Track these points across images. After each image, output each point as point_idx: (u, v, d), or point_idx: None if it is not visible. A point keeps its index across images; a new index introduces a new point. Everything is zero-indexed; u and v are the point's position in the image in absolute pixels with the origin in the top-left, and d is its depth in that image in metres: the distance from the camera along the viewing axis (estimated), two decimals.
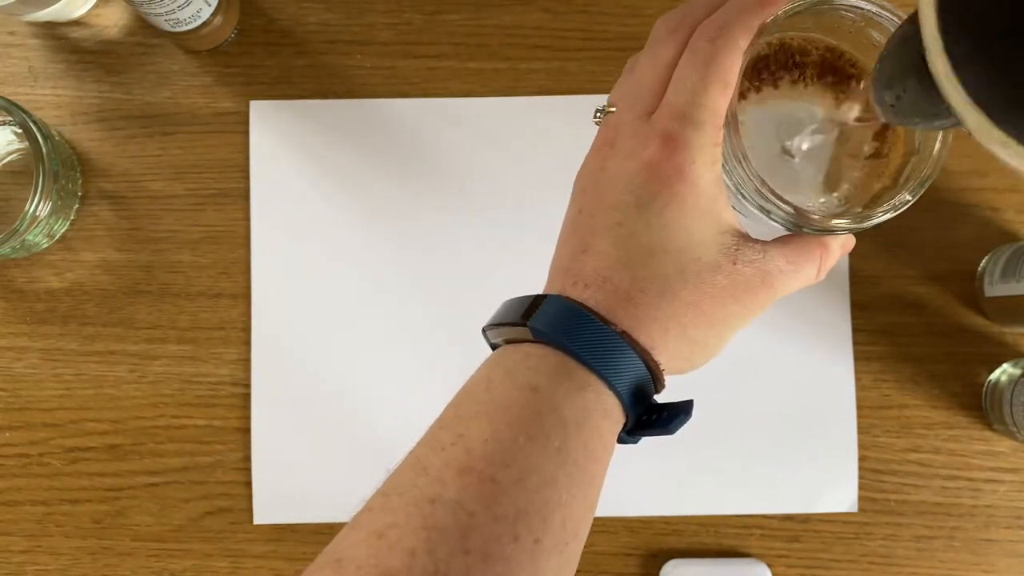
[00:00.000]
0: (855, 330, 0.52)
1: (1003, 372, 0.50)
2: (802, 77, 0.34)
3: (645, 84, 0.31)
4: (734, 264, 0.30)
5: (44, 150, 0.48)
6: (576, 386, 0.29)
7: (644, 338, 0.30)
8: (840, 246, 0.34)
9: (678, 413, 0.31)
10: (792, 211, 0.31)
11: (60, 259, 0.52)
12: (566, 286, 0.31)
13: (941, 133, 0.31)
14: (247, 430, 0.51)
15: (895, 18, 0.31)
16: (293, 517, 0.51)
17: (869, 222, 0.32)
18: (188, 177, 0.53)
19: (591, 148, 0.33)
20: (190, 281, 0.52)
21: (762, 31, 0.30)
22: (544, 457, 0.28)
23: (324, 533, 0.51)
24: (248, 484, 0.51)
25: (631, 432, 0.31)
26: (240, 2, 0.53)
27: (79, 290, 0.52)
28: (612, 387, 0.29)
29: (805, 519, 0.51)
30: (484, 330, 0.33)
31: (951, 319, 0.52)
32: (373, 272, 0.52)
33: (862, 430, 0.51)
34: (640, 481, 0.51)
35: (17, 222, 0.48)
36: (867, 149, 0.34)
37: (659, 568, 0.51)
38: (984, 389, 0.51)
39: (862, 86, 0.33)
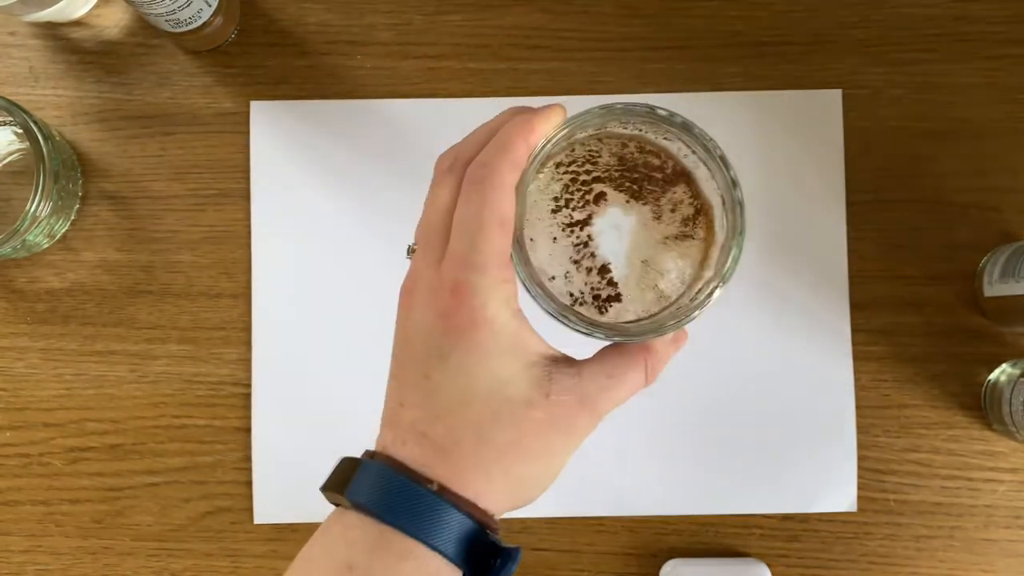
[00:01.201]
0: (854, 330, 0.52)
1: (1002, 372, 0.51)
2: (599, 185, 0.33)
3: (432, 228, 0.31)
4: (548, 396, 0.30)
5: (45, 150, 0.48)
6: (396, 557, 0.29)
7: (466, 489, 0.30)
8: (670, 344, 0.33)
9: (507, 561, 0.30)
10: (602, 326, 0.31)
11: (61, 259, 0.52)
12: (387, 443, 0.31)
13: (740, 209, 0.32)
14: (247, 430, 0.51)
15: (650, 111, 0.31)
16: (293, 517, 0.52)
17: (687, 319, 0.31)
18: (189, 177, 0.53)
19: (400, 291, 0.33)
20: (191, 281, 0.52)
21: (548, 156, 0.31)
22: None
23: None
24: (248, 484, 0.51)
25: None
26: (241, 3, 0.53)
27: (80, 290, 0.52)
28: (436, 549, 0.29)
29: (805, 519, 0.51)
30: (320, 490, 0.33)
31: (950, 319, 0.52)
32: (373, 272, 0.52)
33: (861, 430, 0.52)
34: (640, 481, 0.51)
35: (18, 222, 0.48)
36: (676, 244, 0.34)
37: (659, 568, 0.51)
38: (983, 389, 0.52)
39: (660, 182, 0.33)
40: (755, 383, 0.52)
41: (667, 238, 0.33)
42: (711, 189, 0.33)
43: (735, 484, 0.51)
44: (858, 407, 0.52)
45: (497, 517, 0.31)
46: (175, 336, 0.52)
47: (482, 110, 0.52)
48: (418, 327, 0.31)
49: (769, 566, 0.50)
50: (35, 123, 0.48)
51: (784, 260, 0.52)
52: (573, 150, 0.33)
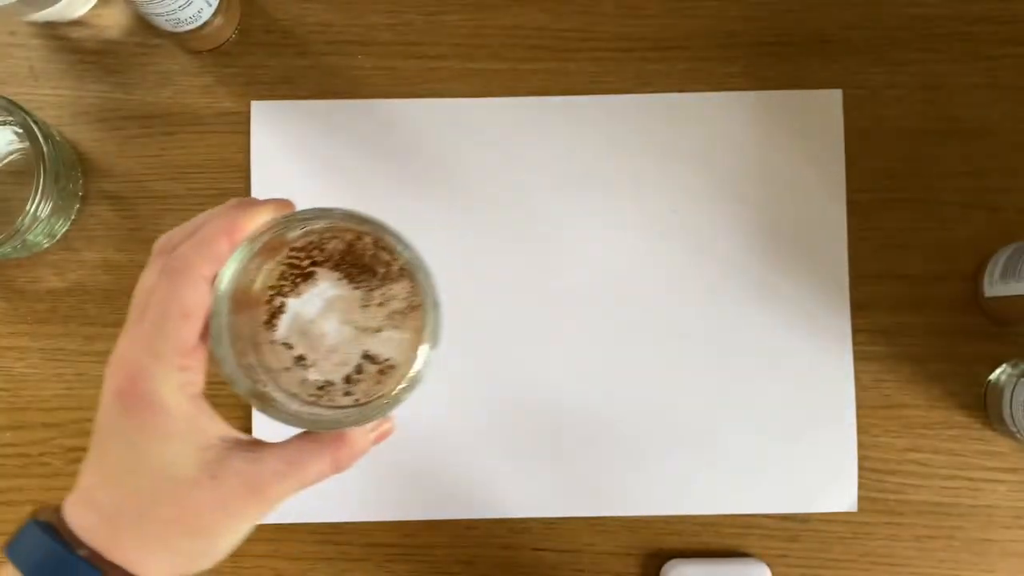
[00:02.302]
0: (855, 330, 0.52)
1: (1003, 372, 0.51)
2: (317, 269, 0.34)
3: (135, 306, 0.32)
4: (214, 478, 0.31)
5: (45, 150, 0.48)
6: None
7: (122, 557, 0.31)
8: (368, 433, 0.34)
9: None
10: (288, 415, 0.32)
11: (61, 259, 0.52)
12: (69, 500, 0.32)
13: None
14: (248, 430, 0.51)
15: (345, 222, 0.33)
16: (293, 517, 0.52)
17: (377, 413, 0.32)
18: (189, 177, 0.53)
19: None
20: None
21: (272, 243, 0.32)
22: None
23: (324, 533, 0.52)
24: None
25: None
26: (241, 2, 0.53)
27: (80, 290, 0.52)
28: None
29: (805, 519, 0.51)
30: None
31: (951, 319, 0.52)
32: None
33: (862, 430, 0.52)
34: (640, 481, 0.51)
35: (18, 222, 0.48)
36: (386, 337, 0.34)
37: (659, 568, 0.51)
38: (984, 389, 0.52)
39: (382, 276, 0.34)
40: (755, 383, 0.52)
41: (378, 330, 0.34)
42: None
43: (735, 484, 0.51)
44: (858, 407, 0.52)
45: None
46: None
47: (482, 110, 0.53)
48: (104, 397, 0.32)
49: (769, 566, 0.50)
50: (35, 123, 0.48)
51: (784, 260, 0.52)
52: (308, 236, 0.34)
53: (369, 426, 0.34)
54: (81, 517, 0.31)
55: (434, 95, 0.53)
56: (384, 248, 0.35)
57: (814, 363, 0.52)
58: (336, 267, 0.34)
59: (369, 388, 0.34)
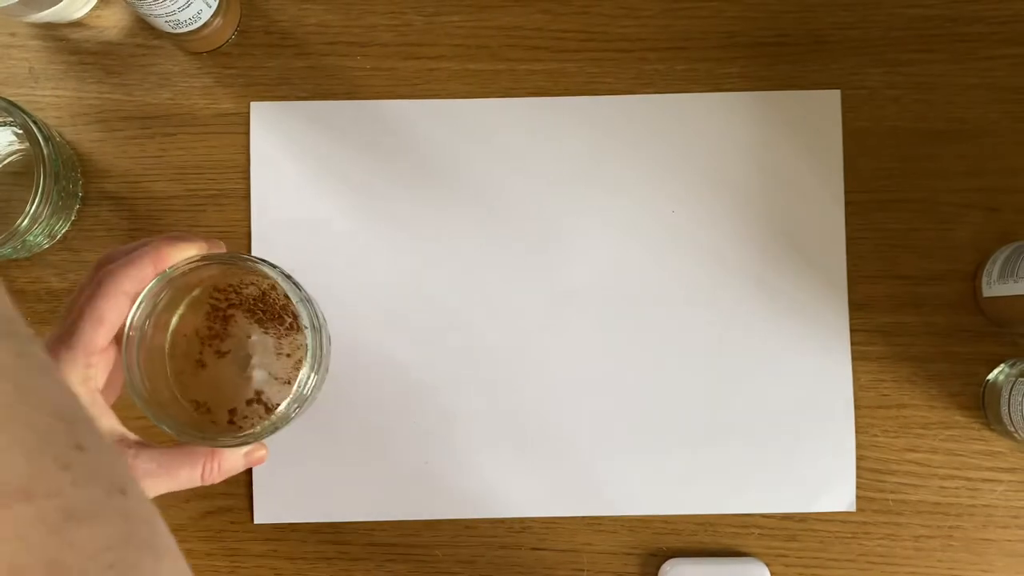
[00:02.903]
0: (853, 330, 0.52)
1: (1001, 372, 0.51)
2: (233, 311, 0.40)
3: (65, 309, 0.37)
4: None
5: (45, 151, 0.48)
6: None
7: None
8: (239, 456, 0.39)
9: None
10: (175, 429, 0.37)
11: (61, 259, 0.52)
12: None
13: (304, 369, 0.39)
14: None
15: (261, 266, 0.38)
16: (293, 517, 0.52)
17: (252, 439, 0.37)
18: (189, 178, 0.53)
19: None
20: None
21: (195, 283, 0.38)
22: None
23: (324, 532, 0.52)
24: (248, 484, 0.52)
25: None
26: (241, 3, 0.53)
27: None
28: None
29: (803, 518, 0.51)
30: None
31: (949, 319, 0.52)
32: (372, 272, 0.52)
33: (860, 430, 0.52)
34: (640, 481, 0.51)
35: (18, 222, 0.48)
36: (284, 377, 0.40)
37: (658, 567, 0.51)
38: (982, 389, 0.52)
39: (288, 325, 0.40)
40: (753, 383, 0.52)
41: (287, 382, 0.40)
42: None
43: (734, 484, 0.51)
44: (857, 407, 0.52)
45: None
46: None
47: (482, 110, 0.53)
48: None
49: (768, 566, 0.51)
50: (35, 124, 0.48)
51: (783, 260, 0.52)
52: (230, 280, 0.40)
53: (243, 449, 0.39)
54: None
55: (433, 96, 0.53)
56: (286, 299, 0.39)
57: (812, 363, 0.52)
58: (250, 312, 0.39)
59: (252, 420, 0.39)
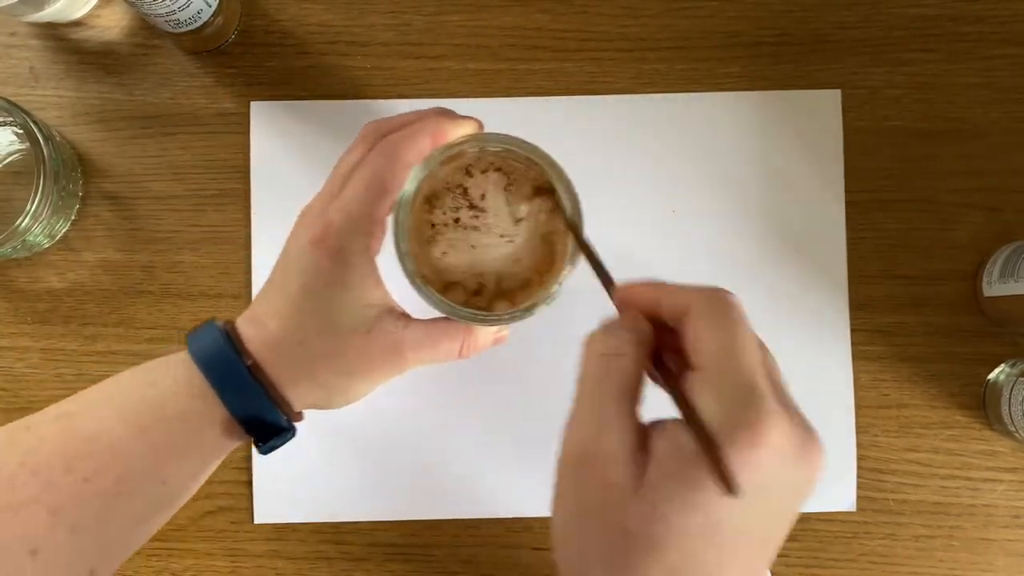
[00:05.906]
0: (854, 330, 0.52)
1: (1001, 372, 0.51)
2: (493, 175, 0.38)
3: (337, 175, 0.38)
4: (368, 332, 0.37)
5: (45, 151, 0.48)
6: (192, 394, 0.37)
7: (274, 373, 0.37)
8: (490, 335, 0.40)
9: (283, 436, 0.38)
10: (439, 302, 0.36)
11: (61, 259, 0.53)
12: (243, 317, 0.39)
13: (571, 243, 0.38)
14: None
15: (524, 151, 0.37)
16: (293, 517, 0.52)
17: (503, 320, 0.37)
18: (189, 177, 0.53)
19: (299, 214, 0.39)
20: (191, 281, 0.52)
21: (456, 156, 0.37)
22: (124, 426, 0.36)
23: (325, 532, 0.52)
24: (249, 484, 0.52)
25: (257, 443, 0.38)
26: (241, 3, 0.53)
27: (80, 290, 0.52)
28: (225, 403, 0.36)
29: (804, 518, 0.51)
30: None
31: (950, 319, 0.52)
32: None
33: (861, 430, 0.52)
34: None
35: (18, 222, 0.48)
36: (542, 249, 0.39)
37: None
38: (983, 389, 0.52)
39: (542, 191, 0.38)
40: None
41: (538, 239, 0.39)
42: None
43: None
44: (857, 407, 0.52)
45: (296, 408, 0.38)
46: (176, 336, 0.52)
47: (482, 110, 0.53)
48: (293, 242, 0.38)
49: None
50: (35, 123, 0.48)
51: (783, 260, 0.52)
52: (499, 164, 0.38)
53: (493, 328, 0.40)
54: (250, 333, 0.37)
55: (433, 95, 0.53)
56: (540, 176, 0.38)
57: (813, 363, 0.52)
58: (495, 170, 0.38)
59: (498, 303, 0.38)
